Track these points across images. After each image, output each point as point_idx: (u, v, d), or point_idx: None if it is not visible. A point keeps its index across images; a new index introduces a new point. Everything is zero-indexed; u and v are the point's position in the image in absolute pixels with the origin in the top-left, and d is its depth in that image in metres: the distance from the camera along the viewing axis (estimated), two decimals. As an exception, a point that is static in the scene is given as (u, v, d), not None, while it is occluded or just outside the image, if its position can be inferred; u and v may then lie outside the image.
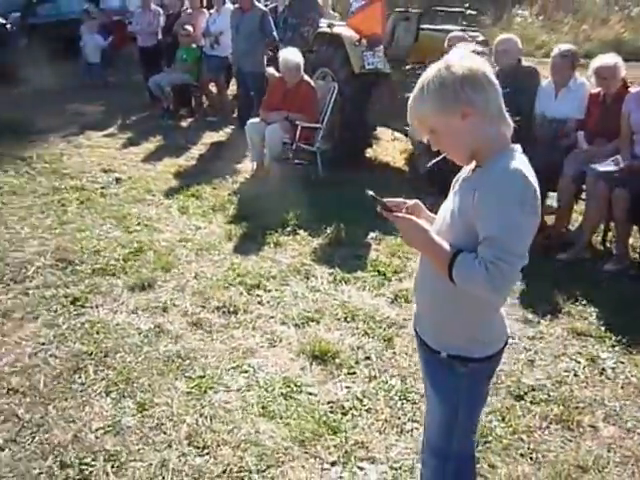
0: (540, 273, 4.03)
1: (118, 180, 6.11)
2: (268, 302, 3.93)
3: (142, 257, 4.46)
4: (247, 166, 6.64)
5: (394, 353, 3.41)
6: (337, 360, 3.31)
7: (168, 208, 5.48)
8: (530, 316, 3.80)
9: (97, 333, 3.49)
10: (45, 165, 6.40)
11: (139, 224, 5.07)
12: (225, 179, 6.28)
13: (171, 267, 4.33)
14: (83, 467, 2.52)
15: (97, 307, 3.78)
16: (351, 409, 2.94)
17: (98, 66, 10.40)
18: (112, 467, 2.53)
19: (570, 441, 2.78)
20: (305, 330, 3.62)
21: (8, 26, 10.26)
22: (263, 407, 2.93)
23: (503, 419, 2.89)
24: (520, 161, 1.64)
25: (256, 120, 6.34)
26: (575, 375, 3.26)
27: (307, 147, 6.27)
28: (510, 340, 3.47)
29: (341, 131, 6.57)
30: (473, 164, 1.74)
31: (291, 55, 6.11)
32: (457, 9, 7.00)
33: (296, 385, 3.10)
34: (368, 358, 3.36)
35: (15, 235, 4.72)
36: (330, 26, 6.56)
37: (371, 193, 1.79)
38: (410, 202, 1.87)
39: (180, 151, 7.25)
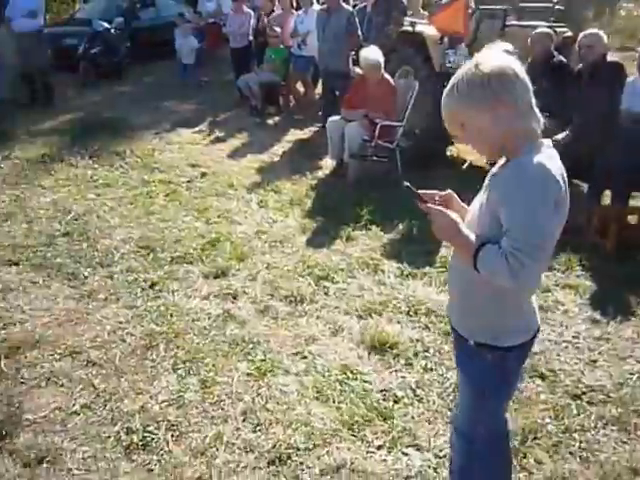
0: (613, 274, 3.95)
1: (203, 174, 6.42)
2: (334, 293, 4.07)
3: (219, 247, 4.71)
4: (327, 163, 6.80)
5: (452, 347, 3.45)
6: (395, 351, 3.40)
7: (248, 202, 5.73)
8: (598, 317, 3.74)
9: (170, 315, 3.74)
10: (137, 159, 6.82)
11: (219, 216, 5.34)
12: (305, 175, 6.47)
13: (245, 257, 4.55)
14: (146, 434, 2.75)
15: (173, 292, 4.05)
16: (403, 398, 3.03)
17: (192, 66, 10.88)
18: (172, 436, 2.75)
19: (625, 443, 2.75)
20: (367, 321, 3.73)
21: (112, 30, 10.93)
22: (318, 391, 3.07)
23: (556, 417, 2.89)
24: (546, 155, 1.69)
25: (336, 118, 6.50)
26: (639, 378, 3.19)
27: (386, 144, 6.35)
28: (574, 340, 3.49)
29: (421, 129, 6.60)
30: (503, 160, 1.80)
31: (372, 54, 6.22)
32: (545, 4, 6.86)
33: (352, 372, 3.22)
34: (426, 351, 3.44)
35: (105, 224, 5.10)
36: (412, 25, 6.61)
37: (407, 184, 1.88)
38: (443, 193, 1.95)
39: (264, 148, 7.51)
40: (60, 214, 5.25)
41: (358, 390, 3.08)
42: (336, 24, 7.69)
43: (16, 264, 4.38)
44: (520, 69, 1.73)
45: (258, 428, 2.80)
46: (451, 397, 3.03)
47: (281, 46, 9.01)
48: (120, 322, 3.68)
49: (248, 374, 3.21)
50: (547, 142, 1.76)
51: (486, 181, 1.86)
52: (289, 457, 2.63)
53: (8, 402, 2.96)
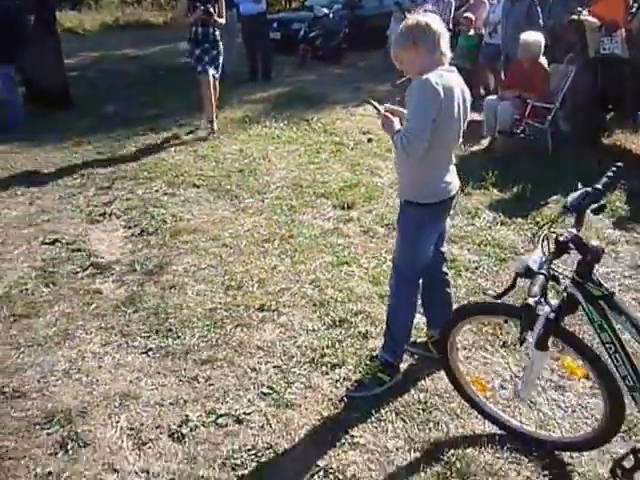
0: None
1: (369, 140, 7.77)
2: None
3: (354, 190, 6.02)
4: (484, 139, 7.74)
5: (502, 269, 4.41)
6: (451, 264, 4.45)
7: (396, 163, 6.96)
8: None
9: (293, 225, 5.17)
10: (319, 125, 8.40)
11: (366, 170, 6.65)
12: (459, 149, 7.50)
13: (372, 199, 5.81)
14: (242, 284, 4.20)
15: (304, 213, 5.47)
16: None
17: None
18: (258, 283, 4.16)
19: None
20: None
21: (332, 16, 12.78)
22: (375, 278, 4.26)
23: None
24: (437, 74, 2.77)
25: (493, 97, 7.43)
26: None
27: (537, 125, 7.14)
28: None
29: (576, 114, 7.26)
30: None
31: (531, 37, 7.06)
32: None
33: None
34: (476, 268, 4.43)
35: (273, 167, 6.71)
36: (578, 13, 7.29)
37: (368, 99, 3.06)
38: (395, 107, 3.06)
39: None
40: (241, 157, 6.99)
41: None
42: (518, 12, 8.54)
43: (198, 187, 6.15)
44: (433, 22, 2.82)
45: (319, 289, 4.10)
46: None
47: (471, 33, 10.00)
48: (255, 226, 5.19)
49: (330, 263, 4.50)
50: (448, 68, 2.83)
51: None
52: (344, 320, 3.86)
53: (161, 261, 4.62)
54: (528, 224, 5.22)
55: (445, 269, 3.39)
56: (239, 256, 4.65)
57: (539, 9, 8.50)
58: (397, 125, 2.90)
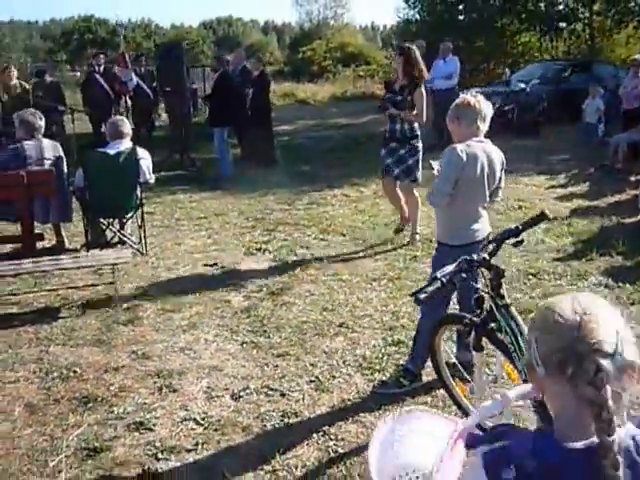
0: None
1: (520, 207, 8.40)
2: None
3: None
4: None
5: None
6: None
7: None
8: None
9: (404, 276, 6.11)
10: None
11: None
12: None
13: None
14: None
15: (424, 263, 6.37)
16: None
17: (594, 125, 12.58)
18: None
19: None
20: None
21: (528, 90, 13.55)
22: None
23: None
24: (465, 144, 3.65)
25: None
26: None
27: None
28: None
29: None
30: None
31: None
32: None
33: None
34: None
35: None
36: None
37: (430, 162, 4.00)
38: None
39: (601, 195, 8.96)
40: (392, 214, 8.05)
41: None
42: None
43: (344, 235, 7.34)
44: (476, 103, 3.72)
45: (396, 318, 5.01)
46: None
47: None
48: (374, 268, 6.21)
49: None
50: (480, 139, 3.70)
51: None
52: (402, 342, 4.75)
53: (285, 286, 5.82)
54: (635, 289, 5.53)
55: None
56: (348, 288, 5.69)
57: None
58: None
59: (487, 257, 3.03)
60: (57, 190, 6.16)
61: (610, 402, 1.29)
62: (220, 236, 7.46)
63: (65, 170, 6.52)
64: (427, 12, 24.91)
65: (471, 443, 1.46)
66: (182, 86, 11.18)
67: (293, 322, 5.01)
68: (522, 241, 3.21)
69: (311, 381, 4.15)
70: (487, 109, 3.76)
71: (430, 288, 2.80)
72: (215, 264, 6.43)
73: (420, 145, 6.74)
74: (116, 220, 6.85)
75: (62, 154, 6.52)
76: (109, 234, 6.77)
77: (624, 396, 1.34)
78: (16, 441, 3.56)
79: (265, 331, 4.87)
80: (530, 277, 5.84)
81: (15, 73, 11.78)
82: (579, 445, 1.31)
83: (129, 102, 12.55)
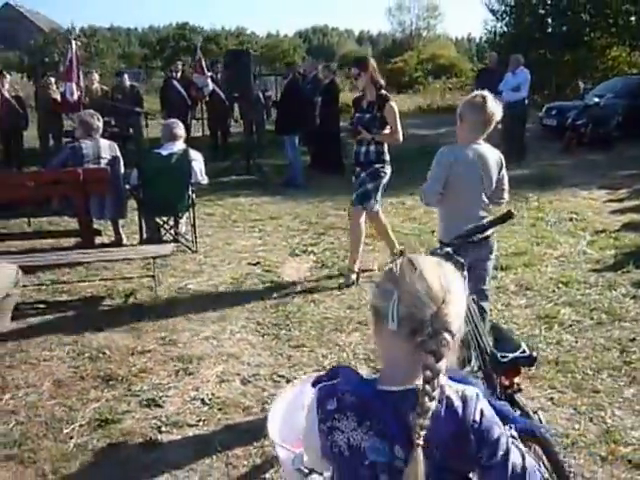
0: None
1: (571, 220, 8.30)
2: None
3: (520, 257, 6.79)
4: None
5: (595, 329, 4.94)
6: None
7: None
8: None
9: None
10: (535, 203, 9.19)
11: (544, 243, 7.31)
12: None
13: (528, 265, 6.54)
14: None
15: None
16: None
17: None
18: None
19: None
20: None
21: (602, 104, 13.26)
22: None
23: None
24: (458, 146, 3.79)
25: None
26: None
27: None
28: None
29: None
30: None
31: None
32: None
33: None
34: (570, 326, 5.03)
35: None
36: None
37: None
38: None
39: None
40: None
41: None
42: None
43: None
44: (487, 103, 3.83)
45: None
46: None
47: None
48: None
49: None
50: (481, 142, 3.82)
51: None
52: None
53: (319, 285, 6.03)
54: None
55: (483, 303, 4.20)
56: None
57: None
58: None
59: (450, 252, 3.14)
60: (112, 188, 6.63)
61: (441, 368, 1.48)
62: (270, 238, 7.77)
63: (122, 170, 6.99)
64: (513, 25, 24.64)
65: (316, 381, 1.66)
66: (249, 93, 11.61)
67: (316, 318, 5.23)
68: (488, 237, 3.32)
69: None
70: (495, 110, 3.82)
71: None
72: (258, 263, 6.73)
73: (387, 171, 6.03)
74: (171, 218, 7.28)
75: (119, 154, 6.99)
76: (163, 232, 7.20)
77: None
78: (39, 410, 3.94)
79: (287, 325, 5.11)
80: (560, 285, 5.85)
81: (97, 77, 12.61)
82: (395, 389, 1.50)
83: (204, 108, 13.16)
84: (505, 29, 25.49)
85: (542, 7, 24.41)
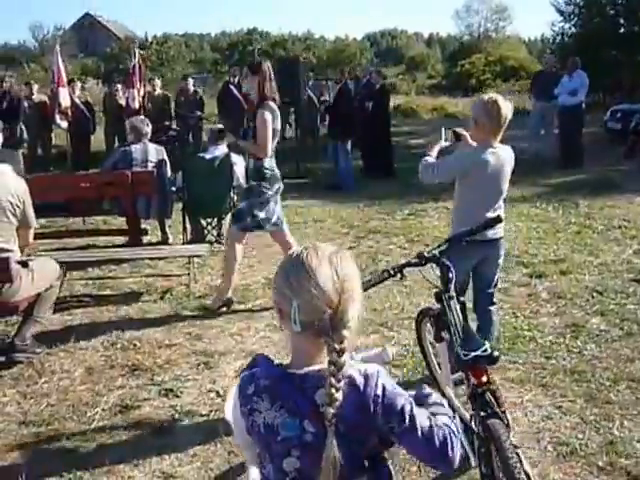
0: None
1: (619, 227, 8.17)
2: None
3: (558, 264, 6.79)
4: None
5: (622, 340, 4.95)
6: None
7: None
8: None
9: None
10: (585, 210, 9.10)
11: (585, 251, 7.25)
12: None
13: (565, 273, 6.54)
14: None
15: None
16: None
17: None
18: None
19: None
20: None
21: None
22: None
23: None
24: (475, 147, 3.92)
25: None
26: None
27: None
28: None
29: None
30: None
31: None
32: None
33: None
34: (597, 335, 5.05)
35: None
36: None
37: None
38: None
39: None
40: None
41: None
42: None
43: (427, 245, 7.59)
44: (500, 105, 3.94)
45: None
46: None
47: None
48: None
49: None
50: (497, 145, 3.93)
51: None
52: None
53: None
54: None
55: (491, 307, 4.29)
56: (406, 293, 5.98)
57: None
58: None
59: (437, 254, 3.25)
60: (157, 190, 6.99)
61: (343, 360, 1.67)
62: (310, 240, 7.98)
63: (168, 172, 7.36)
64: (582, 25, 24.15)
65: (241, 372, 1.88)
66: (299, 98, 11.92)
67: (342, 318, 5.41)
68: (500, 238, 3.77)
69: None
70: (508, 111, 3.86)
71: (374, 277, 3.07)
72: (288, 259, 6.96)
73: (267, 191, 5.46)
74: (215, 220, 7.60)
75: (165, 157, 7.37)
76: (206, 232, 7.54)
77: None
78: (69, 394, 4.28)
79: (311, 324, 5.31)
80: (595, 294, 5.83)
81: (159, 83, 13.15)
82: (301, 372, 1.72)
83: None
84: (574, 30, 24.98)
85: (612, 7, 23.82)
